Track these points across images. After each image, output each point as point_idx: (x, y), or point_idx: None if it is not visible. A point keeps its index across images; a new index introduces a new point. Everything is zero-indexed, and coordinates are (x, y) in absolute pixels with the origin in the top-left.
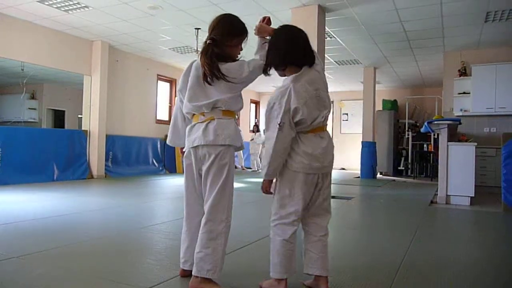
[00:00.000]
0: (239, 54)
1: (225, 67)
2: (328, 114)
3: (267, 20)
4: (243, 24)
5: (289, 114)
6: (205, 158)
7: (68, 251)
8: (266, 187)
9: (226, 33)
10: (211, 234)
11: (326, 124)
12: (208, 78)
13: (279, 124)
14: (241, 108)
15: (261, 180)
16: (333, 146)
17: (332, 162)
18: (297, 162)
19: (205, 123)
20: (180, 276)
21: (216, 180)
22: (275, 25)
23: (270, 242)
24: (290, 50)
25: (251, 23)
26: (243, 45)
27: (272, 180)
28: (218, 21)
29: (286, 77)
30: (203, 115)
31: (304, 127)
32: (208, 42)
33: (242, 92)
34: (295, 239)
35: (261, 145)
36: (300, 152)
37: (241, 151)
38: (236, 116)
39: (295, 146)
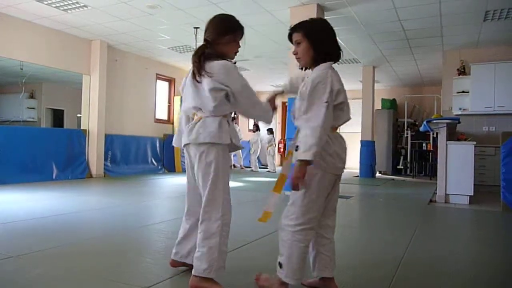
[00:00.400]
0: (236, 51)
1: (210, 64)
2: None
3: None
4: (234, 21)
5: (332, 96)
6: (195, 157)
7: (67, 251)
8: (303, 174)
9: (217, 32)
10: (206, 233)
11: None
12: (197, 76)
13: (325, 102)
14: (226, 110)
15: (258, 179)
16: None
17: None
18: (328, 163)
19: (194, 122)
20: (170, 266)
21: (206, 178)
22: (273, 24)
23: (284, 246)
24: (337, 44)
25: (250, 22)
26: (240, 43)
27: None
28: (209, 22)
29: (321, 65)
30: (195, 116)
31: (335, 122)
32: (202, 44)
33: None
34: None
35: (260, 145)
36: (332, 152)
37: (240, 150)
38: (231, 115)
39: (326, 146)
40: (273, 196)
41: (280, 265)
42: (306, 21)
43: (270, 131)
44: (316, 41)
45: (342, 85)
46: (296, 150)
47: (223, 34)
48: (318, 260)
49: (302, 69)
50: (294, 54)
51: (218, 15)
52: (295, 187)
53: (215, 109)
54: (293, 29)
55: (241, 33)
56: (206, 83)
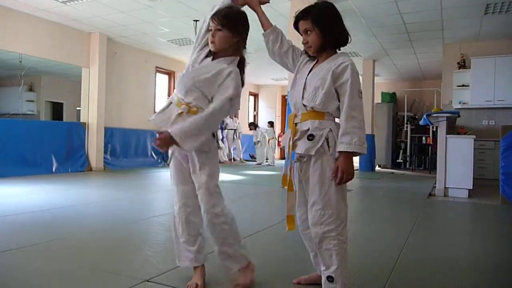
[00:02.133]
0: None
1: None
2: None
3: None
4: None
5: None
6: None
7: (67, 244)
8: (352, 167)
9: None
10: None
11: None
12: None
13: (361, 93)
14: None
15: (258, 172)
16: None
17: None
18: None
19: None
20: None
21: None
22: (273, 17)
23: (333, 256)
24: (345, 27)
25: (250, 15)
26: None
27: None
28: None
29: (339, 54)
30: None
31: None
32: None
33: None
34: None
35: (267, 138)
36: None
37: (239, 143)
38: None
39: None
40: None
41: (332, 279)
42: (313, 6)
43: (271, 124)
44: (326, 28)
45: None
46: (310, 138)
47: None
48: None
49: (309, 57)
50: (304, 44)
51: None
52: (343, 182)
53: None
54: (300, 17)
55: (210, 21)
56: None
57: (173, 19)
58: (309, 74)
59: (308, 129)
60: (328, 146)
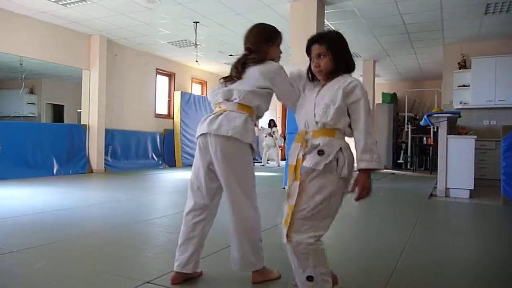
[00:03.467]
0: (278, 56)
1: (254, 68)
2: None
3: None
4: (273, 29)
5: None
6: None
7: (68, 245)
8: (370, 183)
9: (260, 40)
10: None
11: None
12: (232, 78)
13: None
14: (261, 107)
15: (260, 174)
16: None
17: None
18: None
19: (216, 114)
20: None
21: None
22: (273, 18)
23: (308, 259)
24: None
25: (250, 16)
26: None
27: None
28: (250, 32)
29: (347, 75)
30: (219, 107)
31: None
32: (244, 53)
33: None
34: None
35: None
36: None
37: None
38: (254, 115)
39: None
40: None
41: (311, 278)
42: (326, 33)
43: (274, 123)
44: (339, 54)
45: None
46: (320, 153)
47: (267, 41)
48: None
49: (310, 78)
50: (316, 67)
51: (258, 24)
52: (361, 198)
53: (255, 102)
54: (315, 41)
55: (280, 40)
56: (245, 80)
57: (173, 21)
58: (318, 95)
59: (319, 144)
60: (337, 165)
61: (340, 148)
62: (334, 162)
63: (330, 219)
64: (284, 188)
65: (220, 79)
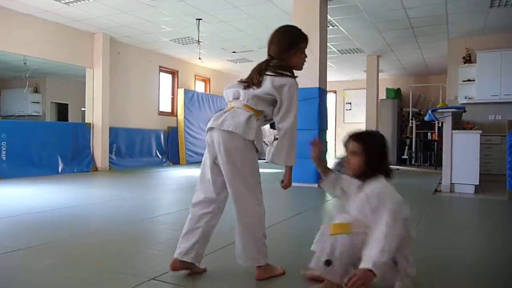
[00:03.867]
0: (303, 62)
1: (271, 79)
2: None
3: None
4: (297, 33)
5: None
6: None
7: (74, 243)
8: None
9: (281, 47)
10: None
11: None
12: (250, 85)
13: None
14: (265, 112)
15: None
16: None
17: None
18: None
19: (223, 111)
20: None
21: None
22: (276, 15)
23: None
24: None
25: (253, 13)
26: (306, 52)
27: None
28: (272, 36)
29: (378, 180)
30: (230, 104)
31: None
32: (266, 59)
33: None
34: None
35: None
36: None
37: None
38: (261, 116)
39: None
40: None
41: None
42: (367, 134)
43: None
44: (373, 157)
45: None
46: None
47: (288, 49)
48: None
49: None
50: (347, 162)
51: (280, 28)
52: None
53: (260, 107)
54: (352, 138)
55: (305, 43)
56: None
57: (175, 18)
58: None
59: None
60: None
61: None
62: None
63: None
64: None
65: (240, 80)
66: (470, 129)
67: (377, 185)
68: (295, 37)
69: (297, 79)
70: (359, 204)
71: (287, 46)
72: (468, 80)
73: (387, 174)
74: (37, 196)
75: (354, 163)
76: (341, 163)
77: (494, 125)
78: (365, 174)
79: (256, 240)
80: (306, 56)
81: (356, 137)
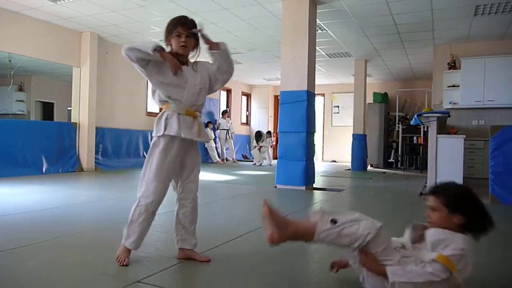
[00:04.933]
0: (182, 45)
1: None
2: None
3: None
4: (173, 20)
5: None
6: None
7: (58, 244)
8: None
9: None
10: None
11: None
12: None
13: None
14: (157, 102)
15: (251, 172)
16: None
17: None
18: None
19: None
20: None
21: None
22: (265, 17)
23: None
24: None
25: (242, 15)
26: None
27: None
28: None
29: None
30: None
31: None
32: None
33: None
34: None
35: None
36: None
37: (232, 143)
38: (169, 108)
39: None
40: None
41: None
42: (448, 188)
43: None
44: (456, 212)
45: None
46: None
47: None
48: None
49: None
50: (428, 217)
51: None
52: None
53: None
54: (433, 192)
55: (173, 29)
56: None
57: (165, 19)
58: None
59: None
60: None
61: None
62: None
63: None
64: (275, 186)
65: None
66: (455, 133)
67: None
68: (169, 24)
69: (284, 82)
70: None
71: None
72: (453, 86)
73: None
74: (21, 196)
75: (434, 219)
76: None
77: (477, 130)
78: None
79: (128, 223)
80: (183, 40)
81: (436, 191)
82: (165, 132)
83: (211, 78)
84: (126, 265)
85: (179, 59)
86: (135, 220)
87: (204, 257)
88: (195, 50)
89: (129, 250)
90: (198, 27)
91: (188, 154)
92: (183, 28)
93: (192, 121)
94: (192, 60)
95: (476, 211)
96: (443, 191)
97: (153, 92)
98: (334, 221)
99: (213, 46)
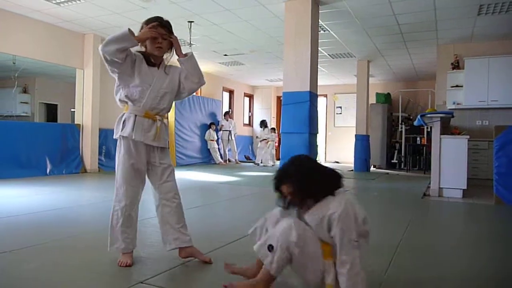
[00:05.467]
0: (157, 46)
1: None
2: None
3: None
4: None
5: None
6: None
7: (61, 245)
8: None
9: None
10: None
11: None
12: None
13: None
14: (118, 102)
15: (253, 173)
16: None
17: None
18: None
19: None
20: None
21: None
22: (267, 18)
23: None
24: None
25: (244, 16)
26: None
27: None
28: None
29: (331, 199)
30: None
31: None
32: None
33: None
34: None
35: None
36: None
37: (234, 145)
38: (128, 109)
39: None
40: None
41: (272, 248)
42: (285, 170)
43: (264, 124)
44: (301, 186)
45: None
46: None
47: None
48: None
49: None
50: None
51: None
52: None
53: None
54: (279, 183)
55: (153, 23)
56: None
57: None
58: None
59: None
60: None
61: None
62: None
63: None
64: None
65: None
66: (458, 134)
67: (331, 206)
68: (142, 27)
69: (286, 82)
70: (314, 226)
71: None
72: (456, 86)
73: (330, 188)
74: (24, 198)
75: (289, 198)
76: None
77: (481, 131)
78: (305, 201)
79: (109, 228)
80: (156, 38)
81: (278, 181)
82: (121, 134)
83: (180, 85)
84: (130, 265)
85: (151, 60)
86: (114, 225)
87: (207, 257)
88: (169, 52)
89: (128, 252)
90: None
91: (154, 156)
92: (161, 29)
93: (151, 124)
94: (166, 63)
95: (314, 176)
96: (281, 177)
97: (117, 92)
98: (270, 247)
99: (180, 54)
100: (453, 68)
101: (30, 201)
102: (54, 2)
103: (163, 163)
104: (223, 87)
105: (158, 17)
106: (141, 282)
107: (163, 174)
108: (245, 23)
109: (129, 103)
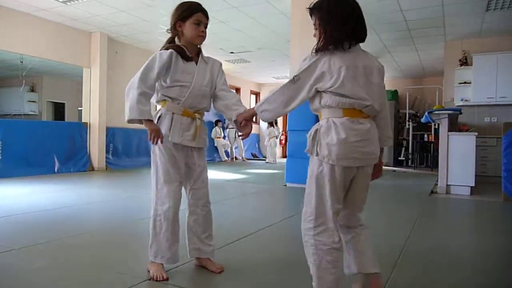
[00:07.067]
0: (200, 35)
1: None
2: None
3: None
4: (184, 8)
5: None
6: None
7: (69, 243)
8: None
9: (175, 18)
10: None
11: None
12: None
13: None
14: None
15: (261, 171)
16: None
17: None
18: (331, 153)
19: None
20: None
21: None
22: (274, 15)
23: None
24: None
25: (251, 13)
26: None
27: None
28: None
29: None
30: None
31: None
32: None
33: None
34: None
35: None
36: (334, 141)
37: (241, 142)
38: (165, 106)
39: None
40: None
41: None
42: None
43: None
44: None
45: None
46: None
47: (181, 20)
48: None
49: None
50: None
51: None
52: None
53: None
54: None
55: (200, 15)
56: None
57: None
58: None
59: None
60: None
61: (317, 129)
62: (313, 144)
63: (311, 205)
64: (285, 185)
65: None
66: (466, 131)
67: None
68: (183, 12)
69: None
70: None
71: (180, 17)
72: (465, 83)
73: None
74: (33, 196)
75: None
76: None
77: (489, 127)
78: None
79: (151, 235)
80: (202, 29)
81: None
82: None
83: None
84: (167, 280)
85: (186, 54)
86: (158, 232)
87: (218, 267)
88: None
89: (162, 265)
90: None
91: (192, 156)
92: (204, 16)
93: (190, 122)
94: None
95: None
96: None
97: (157, 91)
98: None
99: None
100: (461, 65)
101: (39, 199)
102: (61, 0)
103: (201, 164)
104: (229, 85)
105: (198, 4)
106: (149, 280)
107: (198, 177)
108: (252, 20)
109: (168, 100)
